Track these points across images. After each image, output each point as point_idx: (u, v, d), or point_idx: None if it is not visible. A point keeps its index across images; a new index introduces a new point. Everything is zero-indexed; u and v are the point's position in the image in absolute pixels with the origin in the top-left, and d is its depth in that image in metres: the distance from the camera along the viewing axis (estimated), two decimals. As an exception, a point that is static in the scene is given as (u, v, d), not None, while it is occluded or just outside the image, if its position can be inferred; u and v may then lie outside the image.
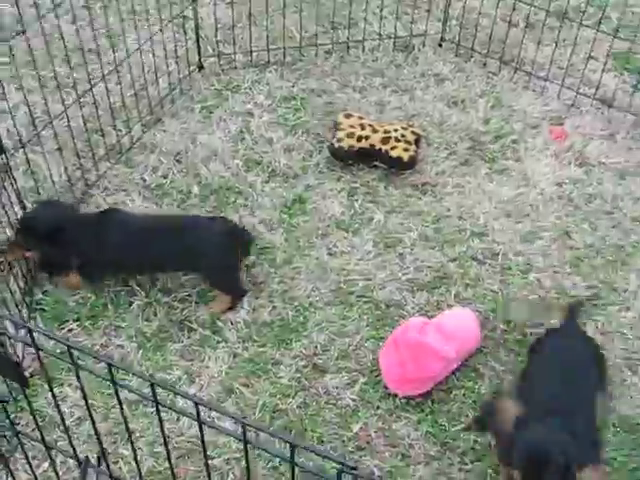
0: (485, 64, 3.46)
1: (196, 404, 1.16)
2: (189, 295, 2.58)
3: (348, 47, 3.55)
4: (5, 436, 2.13)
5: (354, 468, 1.11)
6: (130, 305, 2.56)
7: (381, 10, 3.57)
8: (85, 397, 1.33)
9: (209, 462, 2.17)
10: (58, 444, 2.17)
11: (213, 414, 2.19)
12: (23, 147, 2.66)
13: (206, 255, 2.46)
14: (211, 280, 2.55)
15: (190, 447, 2.22)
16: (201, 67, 3.43)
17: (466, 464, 2.19)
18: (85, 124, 2.90)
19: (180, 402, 2.24)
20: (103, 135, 3.00)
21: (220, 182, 2.94)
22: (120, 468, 2.16)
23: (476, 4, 3.66)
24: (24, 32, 2.55)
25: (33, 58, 2.63)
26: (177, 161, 3.03)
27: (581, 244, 2.76)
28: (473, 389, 2.36)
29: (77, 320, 2.51)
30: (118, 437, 2.23)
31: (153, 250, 2.49)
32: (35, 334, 1.27)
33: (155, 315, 2.53)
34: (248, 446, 1.21)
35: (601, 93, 3.28)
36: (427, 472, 2.18)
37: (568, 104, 3.29)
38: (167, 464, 2.14)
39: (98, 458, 1.36)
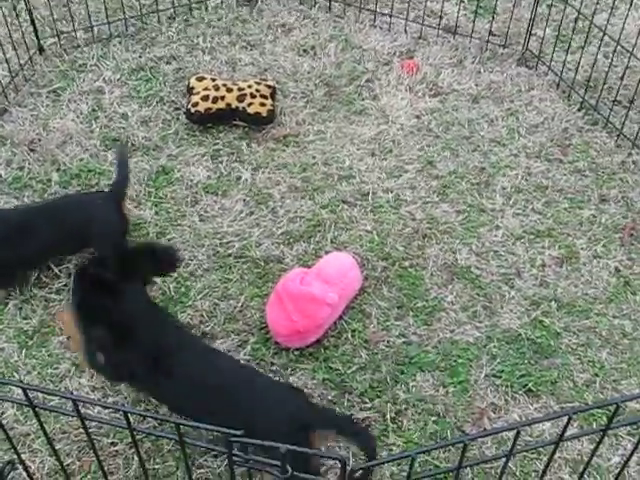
0: (330, 8, 3.46)
1: (74, 401, 1.14)
2: (65, 285, 2.52)
3: (191, 9, 3.48)
4: None
5: (242, 436, 1.11)
6: (6, 306, 2.47)
7: (217, -34, 3.52)
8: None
9: (114, 449, 2.14)
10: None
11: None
12: None
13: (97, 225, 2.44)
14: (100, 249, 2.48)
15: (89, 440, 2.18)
16: (42, 50, 3.30)
17: (366, 403, 2.24)
18: None
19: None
20: (-53, 135, 2.86)
21: (80, 165, 2.85)
22: (20, 474, 2.10)
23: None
24: None
25: None
26: (31, 150, 2.92)
27: (445, 172, 2.83)
28: (361, 329, 2.40)
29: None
30: (14, 441, 2.17)
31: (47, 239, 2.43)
32: None
33: (34, 311, 2.46)
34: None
35: (445, 23, 3.34)
36: (329, 417, 2.21)
37: (416, 37, 3.35)
38: (69, 459, 2.13)
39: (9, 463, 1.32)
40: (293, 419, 1.87)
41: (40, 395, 2.14)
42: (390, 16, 3.37)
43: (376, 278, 2.52)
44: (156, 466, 2.10)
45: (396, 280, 2.52)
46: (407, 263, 2.56)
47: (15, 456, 2.06)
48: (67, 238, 2.47)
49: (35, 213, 2.52)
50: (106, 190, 2.61)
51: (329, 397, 2.25)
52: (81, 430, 2.18)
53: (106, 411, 2.18)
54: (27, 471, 1.31)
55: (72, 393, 2.15)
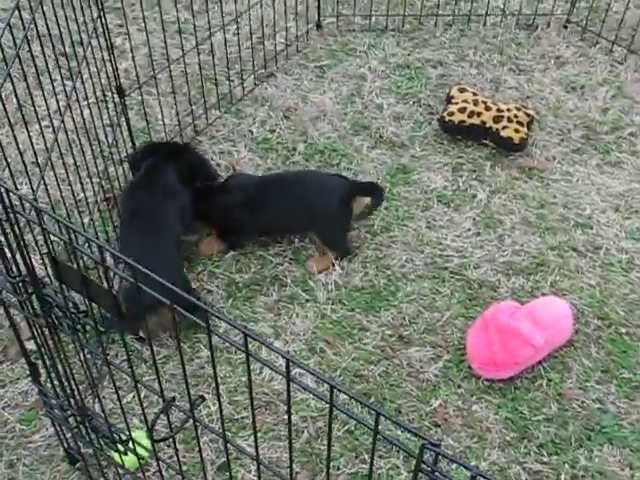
0: (611, 51, 3.33)
1: (287, 361, 1.17)
2: (284, 250, 2.61)
3: (469, 20, 3.47)
4: (96, 364, 2.21)
5: (437, 445, 1.09)
6: (225, 254, 2.60)
7: (508, -15, 3.48)
8: (178, 340, 1.35)
9: (286, 417, 2.20)
10: (142, 379, 2.24)
11: (296, 370, 2.21)
12: (140, 88, 2.71)
13: (322, 211, 2.52)
14: (323, 235, 2.57)
15: (268, 400, 2.25)
16: (319, 26, 3.42)
17: (543, 456, 2.16)
18: (200, 71, 2.94)
19: (264, 354, 2.28)
20: (216, 84, 3.04)
21: (326, 143, 2.94)
22: (200, 411, 2.21)
23: (609, -13, 3.53)
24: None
25: (159, 2, 2.67)
26: (285, 117, 3.04)
27: (690, 248, 2.66)
28: (558, 381, 2.31)
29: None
30: (200, 380, 2.28)
31: (280, 210, 2.55)
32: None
33: (248, 267, 2.57)
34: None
35: None
36: (501, 457, 2.15)
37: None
38: (245, 413, 2.21)
39: (190, 402, 1.39)
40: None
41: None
42: (673, 74, 3.20)
43: (587, 335, 2.41)
44: (321, 447, 2.13)
45: (607, 343, 2.40)
46: (624, 330, 2.42)
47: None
48: (300, 214, 2.55)
49: (277, 183, 2.64)
50: (347, 178, 2.68)
51: (507, 437, 2.18)
52: (261, 389, 2.26)
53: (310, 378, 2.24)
54: (220, 407, 1.36)
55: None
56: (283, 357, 1.15)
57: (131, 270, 1.18)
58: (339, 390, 1.13)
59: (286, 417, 2.20)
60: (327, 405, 1.16)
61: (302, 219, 2.56)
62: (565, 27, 3.46)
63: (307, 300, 2.48)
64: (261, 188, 2.58)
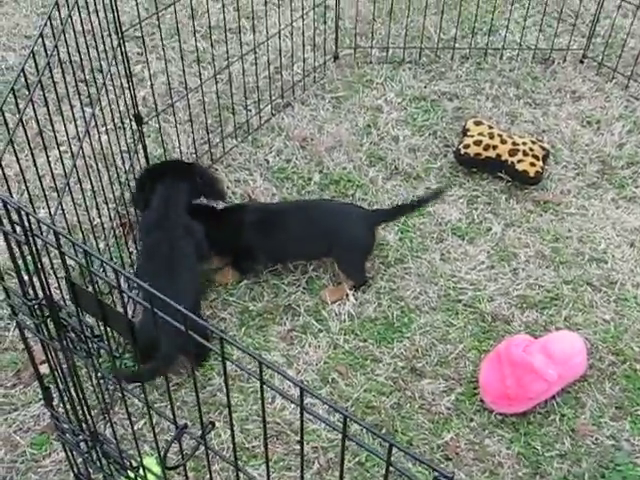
0: (627, 86, 3.34)
1: (302, 390, 1.16)
2: (297, 280, 2.61)
3: (486, 53, 3.49)
4: (108, 389, 2.21)
5: (450, 478, 1.08)
6: (239, 283, 2.60)
7: (524, 20, 3.51)
8: (192, 367, 1.35)
9: (297, 447, 2.19)
10: (154, 405, 2.23)
11: (308, 400, 2.20)
12: (157, 116, 2.74)
13: (347, 237, 2.55)
14: (343, 262, 2.57)
15: (279, 429, 2.23)
16: (336, 57, 3.45)
17: (555, 492, 2.13)
18: (218, 100, 2.97)
19: (277, 382, 2.27)
20: (234, 113, 3.06)
21: (341, 173, 2.95)
22: (211, 439, 2.20)
23: (625, 23, 3.56)
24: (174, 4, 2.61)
25: (178, 31, 2.71)
26: (302, 147, 3.06)
27: None
28: (571, 417, 2.29)
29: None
30: (212, 407, 2.28)
31: (297, 236, 2.56)
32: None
33: (262, 295, 2.57)
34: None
35: None
36: (514, 493, 2.13)
37: None
38: (255, 442, 2.20)
39: (202, 429, 1.39)
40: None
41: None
42: (689, 110, 3.20)
43: (601, 370, 2.40)
44: (332, 478, 2.12)
45: (622, 379, 2.38)
46: (639, 366, 2.40)
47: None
48: (315, 241, 2.56)
49: (292, 210, 2.65)
50: (366, 207, 2.71)
51: (519, 473, 2.16)
52: (273, 418, 2.24)
53: (322, 408, 2.23)
54: (232, 434, 1.36)
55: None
56: (297, 386, 1.14)
57: (147, 295, 1.19)
58: (352, 420, 1.12)
59: (297, 447, 2.19)
60: (338, 436, 1.15)
61: (319, 245, 2.57)
62: (581, 62, 3.48)
63: (320, 330, 2.47)
64: (275, 214, 2.60)
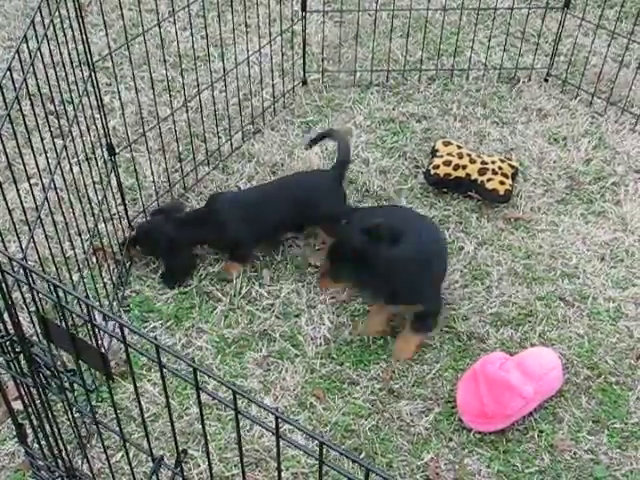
0: (591, 103, 3.40)
1: (277, 417, 1.17)
2: (272, 305, 2.61)
3: (452, 74, 3.54)
4: (84, 423, 2.19)
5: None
6: (214, 310, 2.59)
7: (489, 40, 3.56)
8: (167, 396, 1.35)
9: (275, 475, 2.18)
10: (131, 437, 2.22)
11: (286, 426, 2.20)
12: (130, 146, 2.74)
13: (318, 205, 2.68)
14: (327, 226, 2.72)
15: (258, 456, 2.23)
16: (305, 82, 3.48)
17: (536, 509, 2.14)
18: (189, 128, 2.97)
19: (254, 411, 2.26)
20: (205, 140, 3.07)
21: (313, 197, 2.96)
22: (190, 469, 2.18)
23: (587, 41, 3.62)
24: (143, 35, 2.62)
25: (148, 60, 2.72)
26: (273, 172, 3.07)
27: (676, 296, 2.68)
28: (549, 432, 2.30)
29: (160, 319, 2.56)
30: (190, 437, 2.26)
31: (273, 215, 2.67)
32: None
33: (237, 322, 2.56)
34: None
35: None
36: (495, 512, 2.13)
37: (677, 151, 3.21)
38: (235, 470, 2.19)
39: (177, 459, 1.38)
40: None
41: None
42: (653, 125, 3.26)
43: (577, 385, 2.41)
44: (314, 504, 2.11)
45: (598, 393, 2.40)
46: (614, 379, 2.43)
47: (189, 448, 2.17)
48: (297, 213, 2.67)
49: (269, 191, 2.75)
50: (329, 170, 2.83)
51: (500, 491, 2.17)
52: (252, 446, 2.23)
53: (300, 434, 2.23)
54: (210, 464, 1.35)
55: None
56: (272, 414, 1.15)
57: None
58: (329, 447, 1.13)
59: (277, 474, 2.18)
60: (317, 461, 1.15)
61: (298, 217, 2.70)
62: (546, 80, 3.53)
63: (296, 355, 2.47)
64: (249, 200, 2.73)
